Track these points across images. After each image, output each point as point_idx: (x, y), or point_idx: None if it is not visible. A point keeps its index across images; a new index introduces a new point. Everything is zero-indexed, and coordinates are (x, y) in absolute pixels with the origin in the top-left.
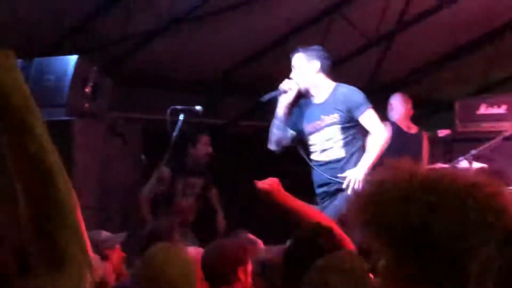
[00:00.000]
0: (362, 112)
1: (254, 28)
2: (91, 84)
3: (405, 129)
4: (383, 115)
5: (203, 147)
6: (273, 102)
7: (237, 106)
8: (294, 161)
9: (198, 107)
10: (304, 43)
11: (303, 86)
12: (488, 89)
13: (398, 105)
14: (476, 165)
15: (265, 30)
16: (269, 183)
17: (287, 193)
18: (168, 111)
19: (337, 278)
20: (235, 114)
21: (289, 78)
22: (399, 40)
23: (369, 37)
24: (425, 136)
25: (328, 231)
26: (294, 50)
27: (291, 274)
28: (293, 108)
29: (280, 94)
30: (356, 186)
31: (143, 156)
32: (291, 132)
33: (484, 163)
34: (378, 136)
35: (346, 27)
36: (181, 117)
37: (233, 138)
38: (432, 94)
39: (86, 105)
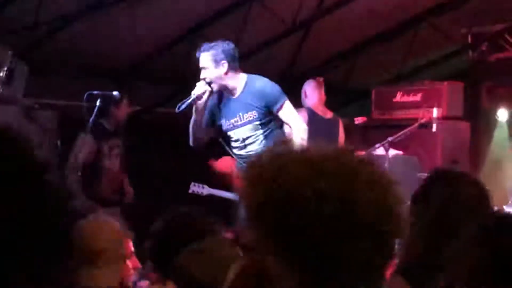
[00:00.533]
0: (280, 106)
1: (171, 14)
2: (6, 68)
3: (320, 114)
4: (300, 102)
5: (125, 107)
6: (191, 87)
7: (153, 93)
8: (207, 147)
9: (114, 93)
10: (222, 30)
11: (215, 87)
12: (404, 77)
13: (312, 91)
14: (392, 152)
15: (183, 16)
16: (228, 165)
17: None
18: (85, 96)
19: (201, 266)
20: (150, 101)
21: (200, 80)
22: (317, 27)
23: (287, 24)
24: (340, 122)
25: (202, 215)
26: (199, 49)
27: (161, 256)
28: (209, 103)
29: (194, 100)
30: None
31: (58, 142)
32: (210, 130)
33: (400, 150)
34: (298, 129)
35: (265, 13)
36: (98, 102)
37: (148, 124)
38: (349, 82)
39: (1, 90)
